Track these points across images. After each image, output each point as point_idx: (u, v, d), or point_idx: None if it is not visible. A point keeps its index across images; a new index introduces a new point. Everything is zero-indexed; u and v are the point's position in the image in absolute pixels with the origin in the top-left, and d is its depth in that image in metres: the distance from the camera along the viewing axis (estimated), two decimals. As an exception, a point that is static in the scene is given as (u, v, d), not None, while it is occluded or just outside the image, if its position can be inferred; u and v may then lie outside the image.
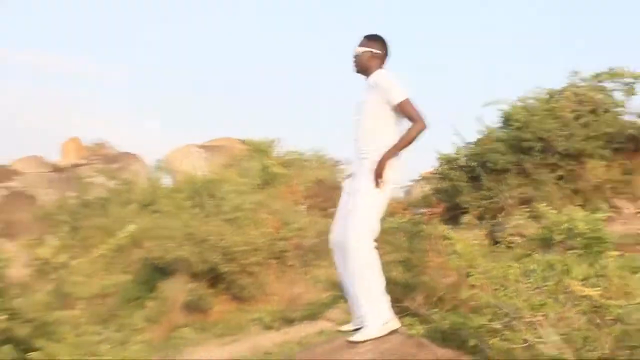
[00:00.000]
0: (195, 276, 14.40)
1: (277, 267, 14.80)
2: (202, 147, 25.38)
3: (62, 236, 15.34)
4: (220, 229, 14.51)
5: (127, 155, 24.58)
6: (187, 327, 13.12)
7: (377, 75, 5.70)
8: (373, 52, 5.79)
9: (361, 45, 5.82)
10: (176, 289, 14.27)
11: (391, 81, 5.57)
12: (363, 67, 5.80)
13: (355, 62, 5.84)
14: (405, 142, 5.42)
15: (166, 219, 15.58)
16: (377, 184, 5.37)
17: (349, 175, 5.86)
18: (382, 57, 5.84)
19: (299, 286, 14.63)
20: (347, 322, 5.76)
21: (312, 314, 12.74)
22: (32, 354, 5.08)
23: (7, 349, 5.09)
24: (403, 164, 5.65)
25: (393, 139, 5.53)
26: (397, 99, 5.45)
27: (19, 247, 14.64)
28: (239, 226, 14.81)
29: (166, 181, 21.55)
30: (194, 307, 14.17)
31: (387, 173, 5.45)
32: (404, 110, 5.44)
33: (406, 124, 5.55)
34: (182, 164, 23.36)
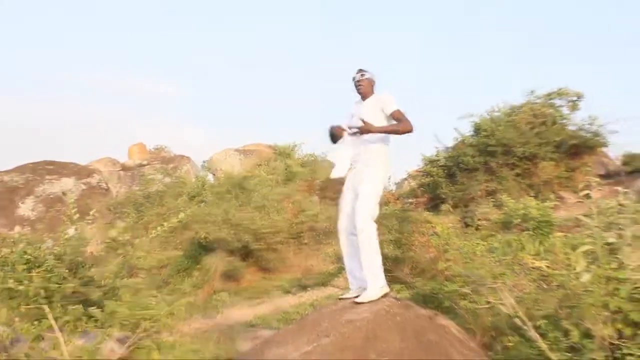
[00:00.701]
0: (231, 252, 14.39)
1: (295, 245, 14.79)
2: (238, 150, 25.36)
3: (128, 221, 15.38)
4: (251, 215, 14.52)
5: (181, 157, 24.55)
6: (224, 292, 13.13)
7: (378, 95, 5.72)
8: (371, 80, 5.81)
9: (365, 75, 5.80)
10: (216, 262, 14.27)
11: (390, 96, 5.59)
12: (365, 91, 5.79)
13: (360, 86, 5.81)
14: (391, 128, 5.45)
15: (209, 207, 15.59)
16: (364, 125, 5.40)
17: (350, 171, 5.84)
18: (374, 83, 5.86)
19: (312, 260, 14.62)
20: (347, 290, 5.76)
21: (322, 282, 12.74)
22: (94, 310, 5.05)
23: (77, 308, 5.07)
24: (390, 163, 5.66)
25: (384, 147, 5.59)
26: (392, 108, 5.49)
27: (95, 230, 14.67)
28: (266, 213, 14.82)
29: (210, 178, 21.54)
30: (229, 277, 14.16)
31: (382, 169, 5.50)
32: (395, 116, 5.47)
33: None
34: (222, 164, 23.37)
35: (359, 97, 5.88)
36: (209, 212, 15.13)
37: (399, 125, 5.46)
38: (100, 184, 19.37)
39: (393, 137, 5.64)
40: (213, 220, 14.66)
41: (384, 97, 5.64)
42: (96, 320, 4.97)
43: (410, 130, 5.47)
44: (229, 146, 26.14)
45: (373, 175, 5.53)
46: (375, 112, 5.61)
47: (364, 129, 5.43)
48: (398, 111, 5.49)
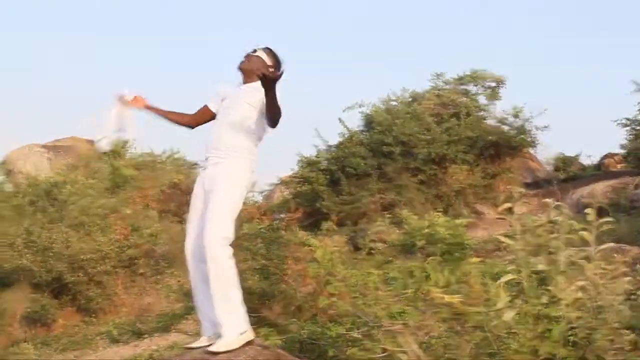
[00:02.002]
0: (37, 286, 14.06)
1: (127, 276, 14.61)
2: (46, 146, 24.76)
3: None
4: (66, 236, 14.22)
5: (-38, 155, 23.82)
6: (28, 342, 12.78)
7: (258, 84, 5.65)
8: (267, 66, 5.69)
9: (264, 52, 5.79)
10: (16, 300, 13.90)
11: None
12: (249, 69, 5.71)
13: (245, 57, 5.80)
14: (275, 100, 5.32)
15: (5, 224, 15.14)
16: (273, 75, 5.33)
17: (200, 179, 5.81)
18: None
19: (150, 296, 14.48)
20: (196, 337, 5.72)
21: (164, 326, 12.61)
22: None
23: None
24: (255, 167, 5.65)
25: (251, 145, 5.59)
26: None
27: None
28: (86, 232, 14.55)
29: (5, 184, 20.91)
30: (35, 320, 13.83)
31: (244, 173, 5.49)
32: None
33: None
34: (23, 165, 22.77)
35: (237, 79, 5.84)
36: (3, 231, 14.70)
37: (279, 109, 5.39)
38: None
39: (264, 132, 5.65)
40: (10, 242, 14.26)
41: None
42: None
43: (278, 118, 5.47)
44: (34, 141, 25.47)
45: (231, 180, 5.48)
46: (250, 108, 5.58)
47: (269, 77, 5.26)
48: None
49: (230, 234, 5.35)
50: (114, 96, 5.87)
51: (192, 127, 6.06)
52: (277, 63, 5.79)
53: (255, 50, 5.75)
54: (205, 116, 5.94)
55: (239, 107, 5.59)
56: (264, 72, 5.20)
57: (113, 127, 5.86)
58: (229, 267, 5.30)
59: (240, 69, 5.78)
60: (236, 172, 5.50)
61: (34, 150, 24.35)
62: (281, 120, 5.46)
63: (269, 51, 5.80)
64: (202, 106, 5.96)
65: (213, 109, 5.86)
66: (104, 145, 5.86)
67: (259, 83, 5.55)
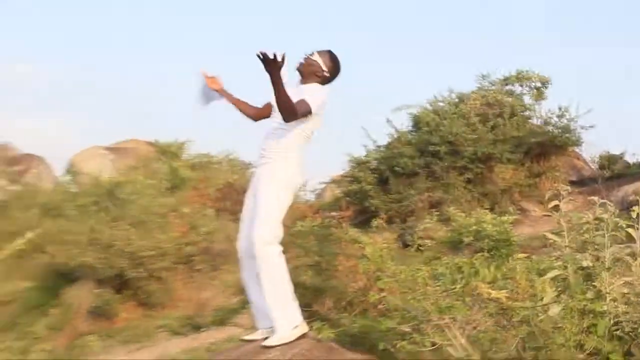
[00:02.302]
0: (101, 282, 14.18)
1: (185, 272, 14.68)
2: (109, 149, 24.98)
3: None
4: (127, 234, 14.31)
5: (30, 157, 24.01)
6: (92, 335, 12.90)
7: (312, 86, 5.59)
8: (320, 68, 5.65)
9: (321, 55, 5.68)
10: (81, 295, 14.02)
11: (318, 94, 5.50)
12: (305, 72, 5.68)
13: (304, 60, 5.70)
14: (286, 95, 5.11)
15: (70, 223, 15.29)
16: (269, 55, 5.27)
17: (253, 178, 5.81)
18: (326, 79, 5.70)
19: (207, 291, 14.55)
20: (252, 330, 5.72)
21: (221, 320, 12.68)
22: None
23: None
24: (302, 167, 5.62)
25: (297, 145, 5.55)
26: (305, 97, 5.34)
27: None
28: (146, 230, 14.63)
29: (71, 184, 21.14)
30: (99, 314, 13.94)
31: (288, 172, 5.47)
32: (300, 102, 5.28)
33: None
34: (87, 167, 22.97)
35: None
36: (69, 229, 14.84)
37: (290, 102, 5.18)
38: None
39: (312, 132, 5.62)
40: (76, 240, 14.38)
41: (309, 90, 5.53)
42: None
43: (288, 114, 5.24)
44: (97, 143, 25.69)
45: (275, 181, 5.44)
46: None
47: (269, 59, 5.14)
48: (304, 103, 5.31)
49: (277, 232, 5.33)
50: (199, 71, 5.99)
51: (255, 120, 6.03)
52: (333, 67, 5.71)
53: (312, 53, 5.70)
54: (265, 112, 5.88)
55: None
56: (262, 52, 4.97)
57: (200, 95, 5.99)
58: (278, 264, 5.29)
59: (297, 69, 5.76)
60: (280, 172, 5.46)
61: (97, 152, 24.56)
62: (291, 118, 5.26)
63: (327, 55, 5.70)
64: (266, 102, 5.89)
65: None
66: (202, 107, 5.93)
67: (311, 84, 5.57)
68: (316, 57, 5.65)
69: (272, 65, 4.97)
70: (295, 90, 5.57)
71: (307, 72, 5.67)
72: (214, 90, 6.00)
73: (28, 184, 20.36)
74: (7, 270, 13.65)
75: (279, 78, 5.05)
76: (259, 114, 6.01)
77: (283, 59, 4.99)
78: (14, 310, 13.58)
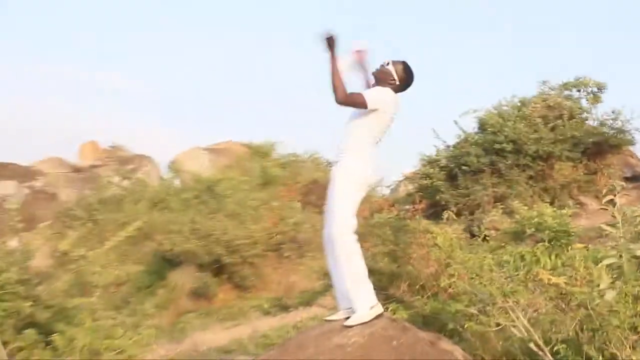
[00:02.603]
0: (200, 267, 14.40)
1: (275, 259, 14.80)
2: (207, 149, 25.31)
3: (80, 230, 15.33)
4: (224, 224, 14.52)
5: (140, 157, 24.45)
6: (193, 313, 13.11)
7: (380, 87, 5.66)
8: (392, 77, 5.66)
9: (395, 66, 5.69)
10: (183, 278, 14.28)
11: (378, 92, 5.57)
12: (378, 77, 5.73)
13: (380, 67, 5.75)
14: (337, 76, 5.37)
15: (174, 215, 15.60)
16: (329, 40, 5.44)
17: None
18: (396, 87, 5.69)
19: (294, 275, 14.64)
20: (334, 311, 5.76)
21: (306, 301, 12.75)
22: (54, 336, 5.05)
23: (30, 332, 5.08)
24: (373, 163, 5.62)
25: (365, 144, 5.56)
26: (364, 92, 5.54)
27: (41, 241, 14.63)
28: (240, 221, 14.82)
29: (175, 181, 21.51)
30: (199, 295, 14.16)
31: (358, 167, 5.48)
32: (358, 93, 5.49)
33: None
34: (188, 166, 23.32)
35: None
36: (173, 220, 15.11)
37: (341, 83, 5.38)
38: (46, 187, 19.28)
39: (381, 132, 5.64)
40: (179, 230, 14.66)
41: (376, 87, 5.67)
42: (54, 348, 4.96)
43: (335, 94, 5.39)
44: (197, 144, 26.06)
45: (346, 176, 5.47)
46: (359, 111, 5.56)
47: (331, 40, 5.42)
48: (360, 95, 5.46)
49: (350, 223, 5.35)
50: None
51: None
52: (405, 77, 5.70)
53: (388, 63, 5.69)
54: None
55: (357, 111, 5.58)
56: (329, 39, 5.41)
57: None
58: (354, 251, 5.33)
59: (373, 74, 5.77)
60: (351, 169, 5.47)
61: (197, 152, 24.91)
62: (338, 97, 5.37)
63: (401, 65, 5.69)
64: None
65: None
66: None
67: (379, 87, 5.60)
68: (390, 67, 5.66)
69: (330, 43, 5.36)
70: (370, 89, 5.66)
71: (380, 78, 5.70)
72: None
73: (138, 181, 20.74)
74: (120, 256, 13.94)
75: (334, 57, 5.35)
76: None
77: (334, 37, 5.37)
78: (126, 291, 13.88)
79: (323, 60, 5.49)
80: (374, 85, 5.78)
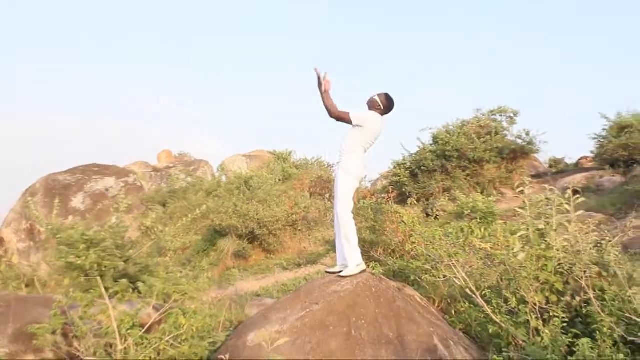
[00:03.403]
0: (240, 237, 14.41)
1: (291, 231, 14.80)
2: (245, 155, 25.32)
3: (158, 212, 15.35)
4: (256, 207, 14.54)
5: (200, 161, 24.42)
6: (235, 269, 13.13)
7: (367, 110, 5.63)
8: (376, 105, 5.61)
9: (379, 97, 5.61)
10: (228, 244, 14.29)
11: (363, 112, 5.54)
12: (370, 105, 5.64)
13: (370, 100, 5.65)
14: (324, 98, 5.41)
15: (222, 201, 15.60)
16: (321, 81, 5.42)
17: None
18: (380, 111, 5.63)
19: (305, 243, 14.65)
20: (333, 266, 5.78)
21: (313, 260, 12.77)
22: (140, 285, 5.10)
23: (123, 282, 5.12)
24: (364, 164, 5.61)
25: (356, 150, 5.51)
26: (352, 109, 5.49)
27: (133, 219, 14.66)
28: (268, 205, 14.84)
29: (223, 178, 21.51)
30: (239, 256, 14.17)
31: (350, 170, 5.45)
32: (345, 111, 5.45)
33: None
34: (232, 166, 23.35)
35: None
36: (222, 204, 15.14)
37: (331, 103, 5.42)
38: (135, 182, 19.28)
39: (368, 144, 5.59)
40: (225, 211, 14.67)
41: (364, 110, 5.60)
42: (139, 292, 5.01)
43: (329, 112, 5.41)
44: (238, 152, 26.12)
45: (346, 171, 5.45)
46: (349, 128, 5.57)
47: (321, 81, 5.43)
48: (347, 112, 5.42)
49: (348, 205, 5.37)
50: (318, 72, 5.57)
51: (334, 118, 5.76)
52: (386, 104, 5.63)
53: (375, 95, 5.62)
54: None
55: (348, 126, 5.56)
56: (317, 71, 5.45)
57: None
58: (350, 223, 5.35)
59: (367, 103, 5.69)
60: (349, 166, 5.46)
61: (238, 157, 24.92)
62: (331, 114, 5.39)
63: (384, 96, 5.62)
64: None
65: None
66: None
67: (369, 112, 5.57)
68: (376, 97, 5.63)
69: (318, 79, 5.39)
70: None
71: (370, 105, 5.65)
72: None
73: (198, 177, 20.74)
74: (185, 229, 13.97)
75: (323, 90, 5.40)
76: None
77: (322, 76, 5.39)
78: (189, 253, 13.92)
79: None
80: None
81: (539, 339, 4.38)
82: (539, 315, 4.60)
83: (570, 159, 21.55)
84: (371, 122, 5.51)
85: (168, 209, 16.68)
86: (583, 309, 4.53)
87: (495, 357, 4.32)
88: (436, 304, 5.87)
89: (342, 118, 5.44)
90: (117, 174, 18.20)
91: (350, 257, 5.37)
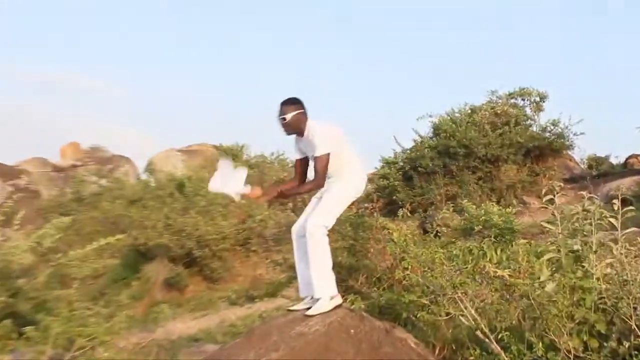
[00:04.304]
0: (173, 260, 14.33)
1: (242, 253, 14.78)
2: (181, 151, 25.18)
3: (60, 226, 15.13)
4: (195, 220, 14.46)
5: (119, 158, 24.30)
6: (165, 304, 13.02)
7: (311, 130, 5.51)
8: (300, 113, 5.53)
9: (287, 112, 5.50)
10: (157, 270, 14.18)
11: (322, 136, 5.43)
12: (296, 129, 5.56)
13: (286, 126, 5.56)
14: (298, 191, 5.65)
15: (150, 211, 15.46)
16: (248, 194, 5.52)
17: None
18: (306, 113, 5.58)
19: (261, 269, 14.64)
20: (297, 302, 5.74)
21: (271, 292, 12.73)
22: (28, 328, 4.97)
23: (7, 323, 4.99)
24: (364, 181, 5.68)
25: (347, 162, 5.54)
26: (317, 152, 5.36)
27: (23, 236, 14.41)
28: (211, 218, 14.77)
29: (150, 180, 21.35)
30: (171, 286, 14.10)
31: (350, 187, 5.51)
32: (316, 163, 5.38)
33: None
34: (163, 166, 23.19)
35: None
36: (149, 217, 15.00)
37: (309, 184, 5.54)
38: (29, 186, 19.05)
39: (347, 151, 5.61)
40: (153, 225, 14.55)
41: (315, 140, 5.45)
42: (28, 337, 4.89)
43: (319, 187, 5.49)
44: (172, 146, 25.94)
45: (340, 187, 5.49)
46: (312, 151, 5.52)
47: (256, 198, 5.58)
48: (322, 158, 5.38)
49: (329, 223, 5.38)
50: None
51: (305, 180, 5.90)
52: (297, 105, 5.59)
53: (284, 116, 5.52)
54: (303, 171, 5.82)
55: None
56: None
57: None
58: (323, 242, 5.32)
59: (289, 134, 5.68)
60: (346, 184, 5.53)
61: (172, 153, 24.78)
62: (322, 179, 5.42)
63: (288, 103, 5.59)
64: (294, 165, 5.84)
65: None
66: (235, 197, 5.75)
67: (312, 132, 5.50)
68: (289, 115, 5.51)
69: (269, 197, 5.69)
70: (305, 143, 5.59)
71: (296, 127, 5.57)
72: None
73: (116, 179, 20.55)
74: (98, 251, 13.80)
75: (284, 195, 5.66)
76: (302, 177, 5.87)
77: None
78: (103, 283, 13.76)
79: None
80: (302, 136, 5.64)
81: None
82: (574, 366, 4.61)
83: (617, 158, 21.79)
84: (328, 130, 5.51)
85: (74, 222, 16.45)
86: (633, 358, 4.54)
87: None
88: (437, 351, 5.86)
89: (325, 170, 5.41)
90: (3, 175, 17.94)
91: (321, 288, 5.33)
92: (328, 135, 5.47)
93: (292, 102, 5.57)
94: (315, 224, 5.30)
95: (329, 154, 5.39)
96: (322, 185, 5.44)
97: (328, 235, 5.43)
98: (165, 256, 14.31)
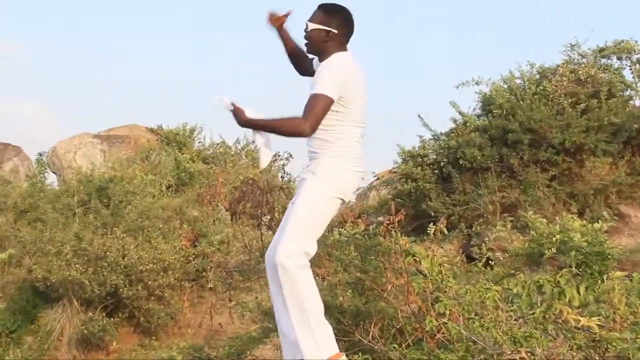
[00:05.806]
0: (89, 303, 14.32)
1: (193, 291, 14.83)
2: (99, 136, 25.13)
3: None
4: (122, 243, 14.45)
5: (4, 147, 24.36)
6: (77, 370, 13.05)
7: (329, 61, 5.59)
8: (326, 31, 5.60)
9: (314, 20, 5.63)
10: (63, 319, 14.17)
11: (331, 72, 5.46)
12: (316, 48, 5.69)
13: (306, 38, 5.72)
14: (271, 124, 5.47)
15: (51, 229, 15.42)
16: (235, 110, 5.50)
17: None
18: (341, 37, 5.66)
19: (221, 315, 14.65)
20: (278, 360, 5.74)
21: (238, 352, 12.71)
22: None
23: None
24: (356, 178, 5.61)
25: (340, 140, 5.52)
26: (315, 89, 5.36)
27: None
28: (145, 239, 14.77)
29: (52, 180, 21.38)
30: (86, 343, 14.09)
31: (331, 181, 5.45)
32: (308, 102, 5.37)
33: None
34: (73, 159, 23.20)
35: None
36: (50, 237, 14.98)
37: (286, 121, 5.45)
38: None
39: (360, 116, 5.59)
40: (58, 250, 14.52)
41: (322, 72, 5.53)
42: None
43: (299, 135, 5.43)
44: (86, 130, 25.90)
45: (313, 189, 5.48)
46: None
47: (238, 119, 5.50)
48: (314, 98, 5.37)
49: (306, 248, 5.36)
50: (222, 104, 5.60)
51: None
52: (333, 19, 5.68)
53: (306, 26, 5.69)
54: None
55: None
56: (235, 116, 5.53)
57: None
58: (301, 277, 5.29)
59: (309, 52, 5.86)
60: (324, 175, 5.49)
61: (85, 141, 24.75)
62: (303, 127, 5.36)
63: (321, 12, 5.71)
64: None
65: None
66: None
67: (325, 63, 5.56)
68: (312, 25, 5.64)
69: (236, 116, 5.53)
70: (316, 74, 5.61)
71: (314, 45, 5.70)
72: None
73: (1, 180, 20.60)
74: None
75: (252, 122, 5.55)
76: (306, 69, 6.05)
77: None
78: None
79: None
80: (320, 61, 5.74)
81: None
82: None
83: None
84: (350, 77, 5.53)
85: None
86: None
87: None
88: None
89: (320, 116, 5.38)
90: None
91: (307, 345, 5.32)
92: (343, 78, 5.48)
93: (328, 12, 5.69)
94: (286, 254, 5.28)
95: (331, 101, 5.36)
96: (306, 132, 5.36)
97: (318, 265, 5.41)
98: (77, 297, 14.30)
